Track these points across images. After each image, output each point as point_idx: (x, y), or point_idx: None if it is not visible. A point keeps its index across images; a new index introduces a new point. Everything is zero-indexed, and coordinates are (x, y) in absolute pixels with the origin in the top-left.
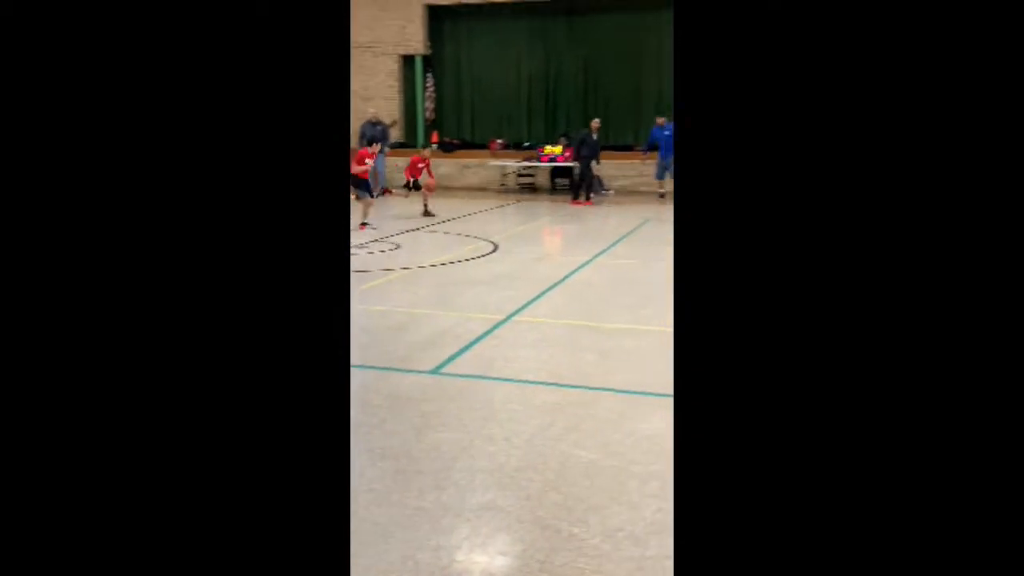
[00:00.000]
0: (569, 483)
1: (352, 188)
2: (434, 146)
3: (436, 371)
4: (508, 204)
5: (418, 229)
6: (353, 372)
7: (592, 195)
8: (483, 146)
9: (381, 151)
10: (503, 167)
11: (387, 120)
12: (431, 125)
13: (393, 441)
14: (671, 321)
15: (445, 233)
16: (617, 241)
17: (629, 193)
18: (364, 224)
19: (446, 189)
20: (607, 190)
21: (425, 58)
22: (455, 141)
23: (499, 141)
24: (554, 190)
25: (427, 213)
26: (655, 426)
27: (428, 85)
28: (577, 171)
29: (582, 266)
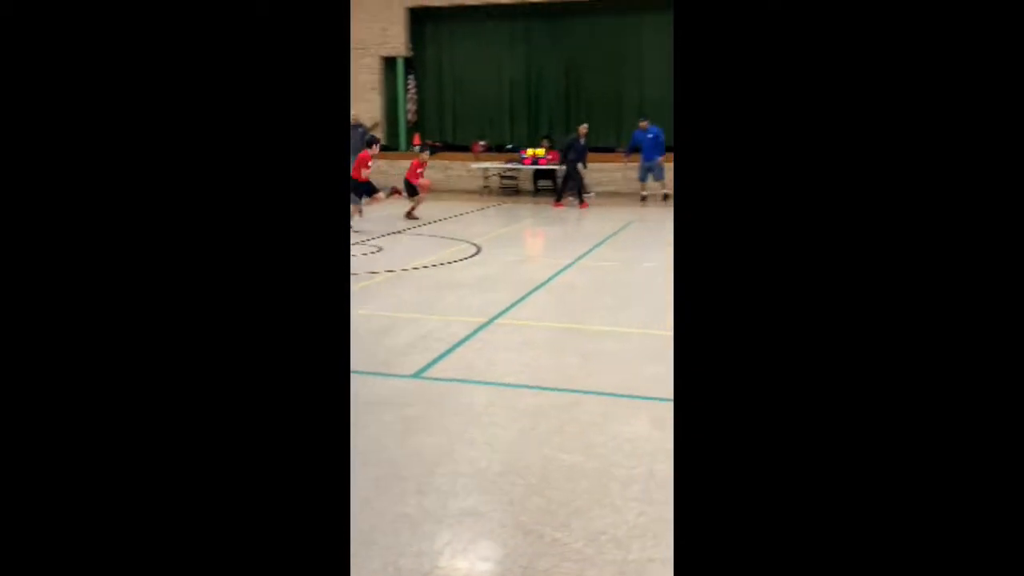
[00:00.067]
0: (552, 487)
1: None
2: (430, 150)
3: (418, 375)
4: (490, 206)
5: (400, 232)
6: None
7: (584, 195)
8: (465, 148)
9: None
10: (485, 169)
11: (368, 123)
12: (413, 127)
13: (374, 446)
14: (653, 323)
15: (429, 236)
16: (600, 243)
17: (612, 195)
18: (359, 210)
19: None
20: (588, 192)
21: (407, 60)
22: (437, 143)
23: (481, 143)
24: (537, 192)
25: (411, 216)
26: (637, 429)
27: (410, 87)
28: (562, 174)
29: (565, 268)
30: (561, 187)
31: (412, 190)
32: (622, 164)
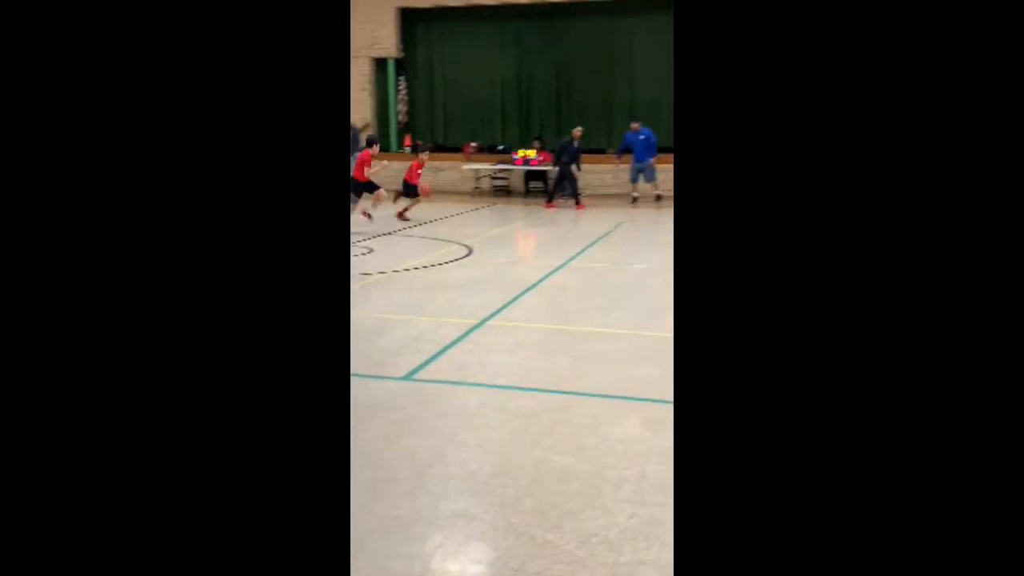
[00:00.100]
0: (543, 489)
1: (353, 193)
2: (428, 151)
3: (409, 377)
4: (482, 207)
5: (392, 233)
6: None
7: (577, 196)
8: (456, 149)
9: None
10: (477, 170)
11: (359, 124)
12: (403, 129)
13: (365, 448)
14: (644, 324)
15: (420, 237)
16: (591, 244)
17: (603, 196)
18: (368, 215)
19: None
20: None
21: (397, 61)
22: (428, 145)
23: (473, 145)
24: (528, 193)
25: (402, 217)
26: (629, 430)
27: (400, 88)
28: (554, 176)
29: (556, 270)
30: (552, 189)
31: (410, 191)
32: (614, 166)
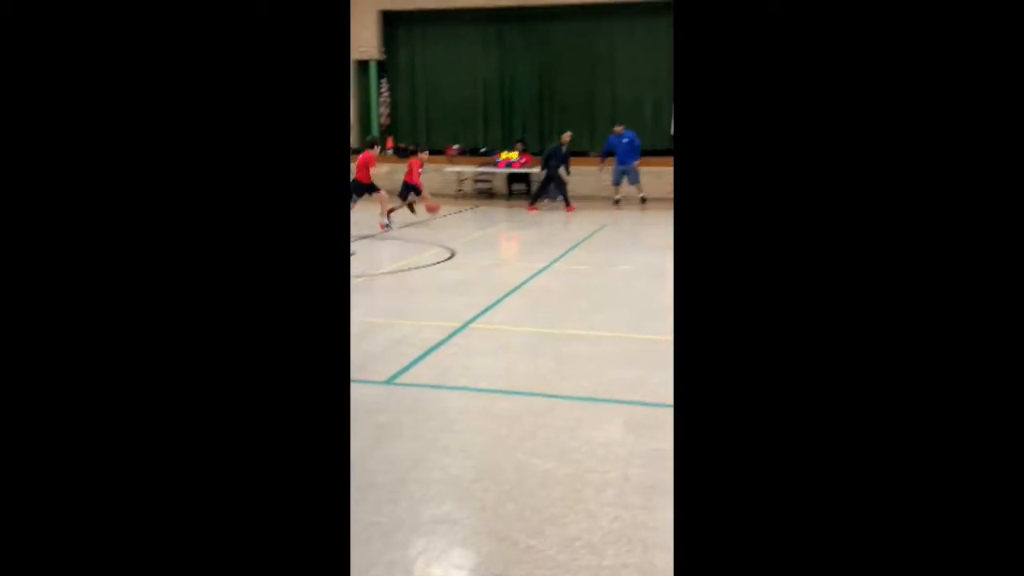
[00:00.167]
0: (526, 493)
1: (355, 194)
2: (428, 151)
3: (391, 381)
4: (465, 210)
5: (373, 236)
6: None
7: (561, 198)
8: (439, 152)
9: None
10: (459, 173)
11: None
12: (386, 131)
13: None
14: (627, 327)
15: (403, 240)
16: (574, 247)
17: (587, 199)
18: (385, 225)
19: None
20: (558, 197)
21: (380, 63)
22: (410, 147)
23: (455, 147)
24: (511, 196)
25: (411, 209)
26: (611, 433)
27: (383, 91)
28: (540, 179)
29: (539, 272)
30: (537, 192)
31: (409, 191)
32: (598, 168)
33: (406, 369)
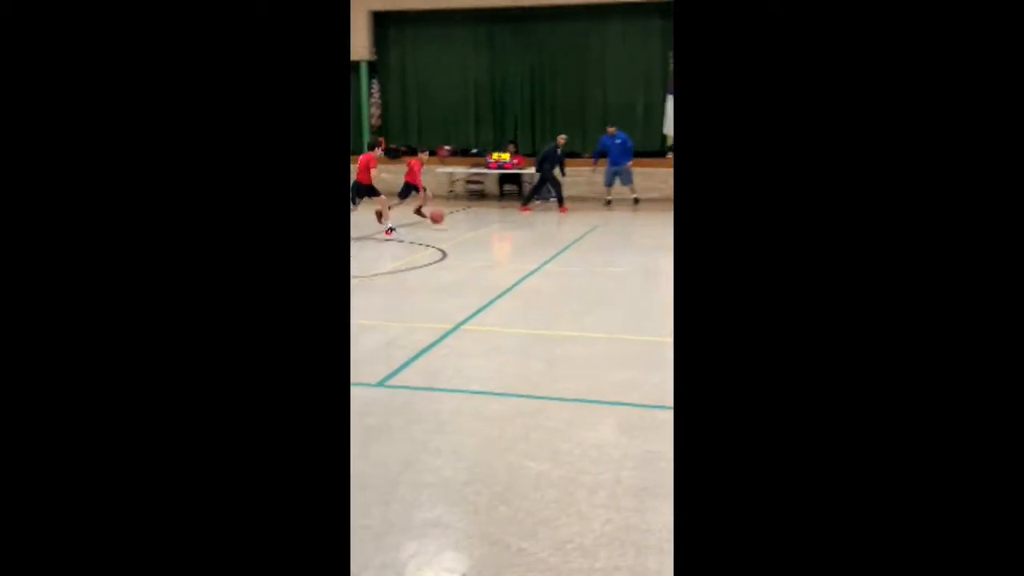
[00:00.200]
0: (518, 496)
1: (356, 196)
2: (428, 152)
3: (382, 383)
4: (457, 211)
5: (364, 237)
6: None
7: (554, 198)
8: (431, 152)
9: None
10: (451, 174)
11: None
12: (377, 132)
13: None
14: (619, 328)
15: (395, 241)
16: (566, 248)
17: (578, 200)
18: (391, 230)
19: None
20: (551, 197)
21: (370, 64)
22: (401, 148)
23: (446, 148)
24: (502, 196)
25: (419, 213)
26: (604, 435)
27: (373, 91)
28: (534, 180)
29: (531, 273)
30: (530, 193)
31: (409, 191)
32: (590, 169)
33: (397, 371)
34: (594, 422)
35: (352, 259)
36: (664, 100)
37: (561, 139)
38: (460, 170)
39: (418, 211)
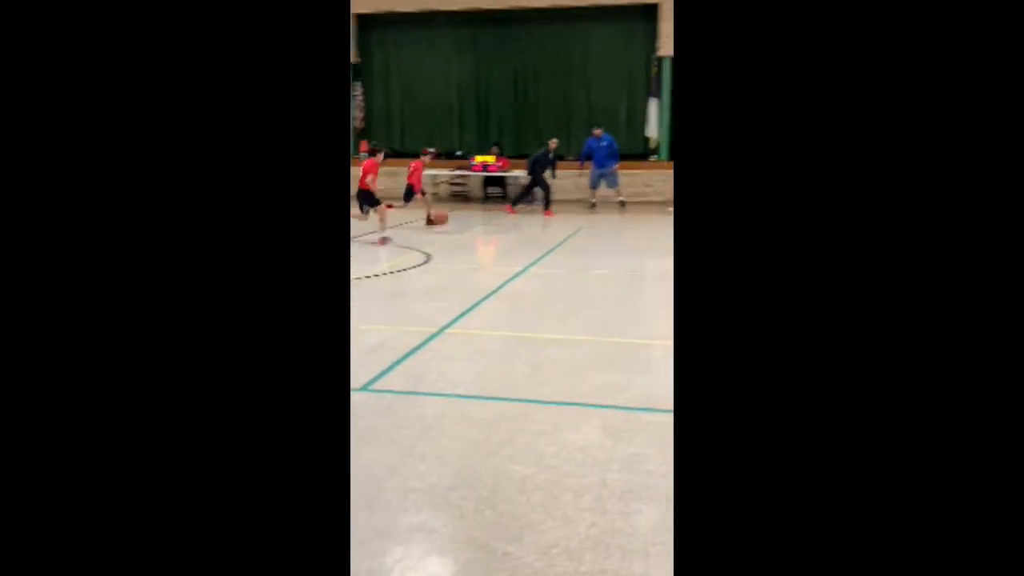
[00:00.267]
0: (504, 500)
1: (359, 203)
2: (431, 156)
3: (366, 387)
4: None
5: (353, 239)
6: None
7: (548, 202)
8: (414, 155)
9: None
10: (435, 176)
11: None
12: (360, 134)
13: None
14: (603, 330)
15: (379, 244)
16: (551, 250)
17: (563, 202)
18: (384, 239)
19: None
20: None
21: (354, 67)
22: (377, 148)
23: (431, 150)
24: (486, 199)
25: (431, 222)
26: (589, 438)
27: (357, 94)
28: (523, 183)
29: (515, 276)
30: (518, 195)
31: (412, 194)
32: (577, 172)
33: (382, 375)
34: (579, 425)
35: None
36: (647, 103)
37: (552, 143)
38: (443, 172)
39: (429, 221)
